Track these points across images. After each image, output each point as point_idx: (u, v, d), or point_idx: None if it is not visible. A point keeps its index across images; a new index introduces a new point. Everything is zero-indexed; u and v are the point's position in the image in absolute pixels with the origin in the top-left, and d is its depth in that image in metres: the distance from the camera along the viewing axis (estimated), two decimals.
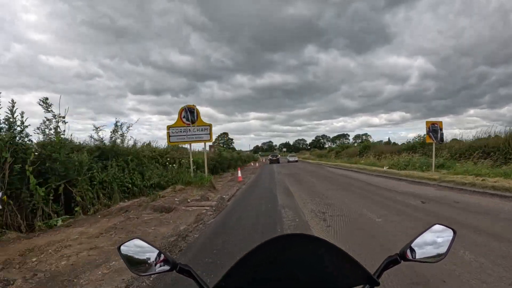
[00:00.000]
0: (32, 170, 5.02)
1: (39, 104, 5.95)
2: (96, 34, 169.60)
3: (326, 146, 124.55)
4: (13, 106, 5.16)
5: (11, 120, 5.14)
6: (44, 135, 5.98)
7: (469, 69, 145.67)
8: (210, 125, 11.68)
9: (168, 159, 11.68)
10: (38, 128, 5.93)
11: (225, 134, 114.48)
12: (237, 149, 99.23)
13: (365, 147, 27.37)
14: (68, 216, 5.55)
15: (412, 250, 0.81)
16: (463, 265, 2.96)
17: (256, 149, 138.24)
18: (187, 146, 12.54)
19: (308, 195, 8.49)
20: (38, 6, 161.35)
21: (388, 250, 3.20)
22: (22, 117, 5.26)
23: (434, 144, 13.02)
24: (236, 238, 4.42)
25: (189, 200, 8.01)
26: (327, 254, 0.71)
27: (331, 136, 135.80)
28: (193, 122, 11.48)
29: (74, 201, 5.82)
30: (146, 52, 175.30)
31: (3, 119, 5.10)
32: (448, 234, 0.84)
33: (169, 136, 11.52)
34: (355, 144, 37.94)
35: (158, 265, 0.80)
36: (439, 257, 0.81)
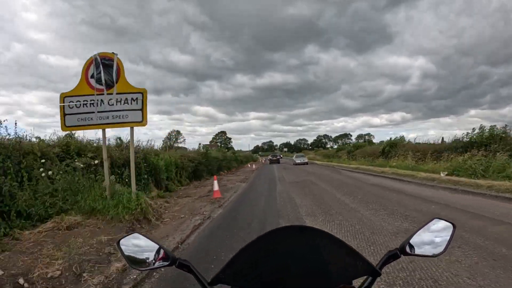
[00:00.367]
0: None
1: None
2: (96, 33, 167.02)
3: (328, 146, 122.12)
4: None
5: None
6: None
7: (469, 69, 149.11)
8: (143, 92, 5.85)
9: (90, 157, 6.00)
10: None
11: (223, 133, 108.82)
12: (237, 149, 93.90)
13: (390, 145, 21.53)
14: None
15: (412, 245, 0.80)
16: None
17: (256, 149, 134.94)
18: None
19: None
20: (39, 5, 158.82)
21: None
22: None
23: None
24: None
25: None
26: (329, 246, 0.71)
27: (333, 136, 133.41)
28: (110, 87, 5.64)
29: None
30: (147, 52, 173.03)
31: None
32: (447, 228, 0.83)
33: (63, 115, 5.68)
34: (367, 142, 32.07)
35: (156, 259, 0.79)
36: (438, 251, 0.81)
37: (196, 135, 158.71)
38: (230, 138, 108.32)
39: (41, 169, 4.93)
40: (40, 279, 2.99)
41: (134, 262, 0.80)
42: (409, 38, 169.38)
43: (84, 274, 3.15)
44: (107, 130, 5.72)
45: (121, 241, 0.82)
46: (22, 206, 4.40)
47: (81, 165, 5.62)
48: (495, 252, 3.30)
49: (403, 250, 0.80)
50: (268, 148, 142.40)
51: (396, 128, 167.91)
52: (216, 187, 8.85)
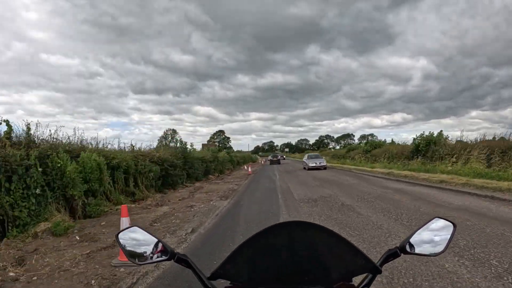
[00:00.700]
0: None
1: None
2: (97, 32, 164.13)
3: (330, 146, 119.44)
4: None
5: None
6: None
7: (471, 70, 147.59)
8: None
9: None
10: None
11: (221, 132, 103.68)
12: (238, 149, 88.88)
13: (427, 142, 16.39)
14: None
15: (412, 244, 0.80)
16: None
17: (257, 149, 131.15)
18: None
19: None
20: (39, 4, 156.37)
21: None
22: None
23: None
24: None
25: None
26: (329, 242, 0.70)
27: (335, 136, 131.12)
28: None
29: None
30: (148, 51, 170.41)
31: None
32: (448, 228, 0.83)
33: None
34: (393, 140, 27.02)
35: (156, 254, 0.78)
36: (438, 250, 0.80)
37: (196, 135, 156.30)
38: (228, 138, 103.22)
39: None
40: None
41: (133, 255, 0.79)
42: (411, 39, 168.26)
43: None
44: None
45: (120, 234, 0.81)
46: None
47: None
48: None
49: (403, 248, 0.80)
50: (268, 148, 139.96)
51: (397, 129, 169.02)
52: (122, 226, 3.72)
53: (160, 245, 0.79)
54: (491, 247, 3.45)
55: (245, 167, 27.62)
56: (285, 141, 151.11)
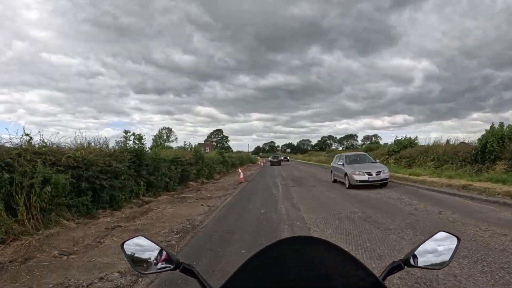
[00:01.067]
0: None
1: None
2: (98, 32, 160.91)
3: (333, 147, 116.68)
4: None
5: None
6: None
7: (473, 72, 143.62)
8: None
9: None
10: None
11: (219, 131, 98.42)
12: (239, 149, 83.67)
13: (500, 138, 11.19)
14: None
15: (416, 257, 0.80)
16: None
17: (257, 150, 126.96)
18: None
19: None
20: (40, 3, 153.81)
21: None
22: None
23: None
24: None
25: None
26: (333, 256, 0.71)
27: (338, 137, 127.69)
28: None
29: None
30: (149, 51, 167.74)
31: None
32: (452, 241, 0.83)
33: None
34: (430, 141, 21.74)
35: (160, 263, 0.79)
36: (442, 263, 0.80)
37: (197, 135, 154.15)
38: (227, 137, 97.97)
39: None
40: None
41: (138, 264, 0.80)
42: (413, 40, 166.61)
43: None
44: None
45: (125, 243, 0.82)
46: None
47: None
48: None
49: (407, 261, 0.80)
50: (269, 149, 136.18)
51: (398, 130, 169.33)
52: None
53: (164, 254, 0.80)
54: None
55: (240, 171, 22.38)
56: (286, 142, 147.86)
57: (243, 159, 39.48)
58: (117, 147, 9.34)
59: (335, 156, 14.00)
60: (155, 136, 64.44)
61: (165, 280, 2.98)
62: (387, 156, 19.93)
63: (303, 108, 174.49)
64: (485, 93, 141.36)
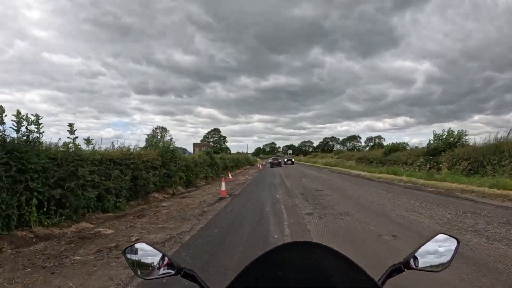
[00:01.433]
0: None
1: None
2: (100, 32, 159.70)
3: (335, 148, 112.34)
4: None
5: None
6: None
7: (474, 74, 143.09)
8: None
9: None
10: None
11: (217, 130, 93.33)
12: (239, 151, 78.59)
13: None
14: None
15: (416, 259, 0.80)
16: None
17: (258, 151, 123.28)
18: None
19: None
20: (41, 2, 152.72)
21: None
22: None
23: None
24: None
25: None
26: (332, 261, 0.71)
27: (340, 139, 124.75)
28: None
29: None
30: (150, 51, 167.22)
31: None
32: (451, 243, 0.83)
33: None
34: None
35: (162, 268, 0.79)
36: (442, 265, 0.80)
37: (198, 136, 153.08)
38: (225, 137, 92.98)
39: None
40: None
41: (139, 270, 0.80)
42: (415, 42, 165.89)
43: None
44: None
45: (127, 250, 0.82)
46: None
47: None
48: None
49: (407, 264, 0.79)
50: (270, 150, 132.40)
51: (399, 132, 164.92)
52: None
53: (166, 259, 0.80)
54: None
55: (229, 177, 17.44)
56: (287, 143, 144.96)
57: (240, 161, 34.47)
58: None
59: None
60: (148, 135, 59.51)
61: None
62: (429, 158, 14.81)
63: (304, 109, 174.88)
64: (486, 95, 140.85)
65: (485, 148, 11.35)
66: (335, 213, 6.32)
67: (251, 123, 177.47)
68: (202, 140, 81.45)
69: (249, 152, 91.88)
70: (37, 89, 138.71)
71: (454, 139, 14.01)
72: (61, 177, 6.12)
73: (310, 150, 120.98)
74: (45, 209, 5.62)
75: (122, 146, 10.27)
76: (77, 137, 7.45)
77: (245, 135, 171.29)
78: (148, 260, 0.79)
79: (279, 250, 0.72)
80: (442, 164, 13.16)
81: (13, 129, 5.53)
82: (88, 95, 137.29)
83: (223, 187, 9.47)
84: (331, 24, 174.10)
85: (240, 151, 73.16)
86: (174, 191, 11.82)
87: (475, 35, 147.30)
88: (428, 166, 13.70)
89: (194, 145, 70.34)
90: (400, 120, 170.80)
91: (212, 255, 3.79)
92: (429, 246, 0.81)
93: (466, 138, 14.17)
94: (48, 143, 6.39)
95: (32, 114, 6.02)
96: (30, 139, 5.74)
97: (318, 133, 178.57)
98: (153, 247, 0.82)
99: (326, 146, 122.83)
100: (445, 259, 0.80)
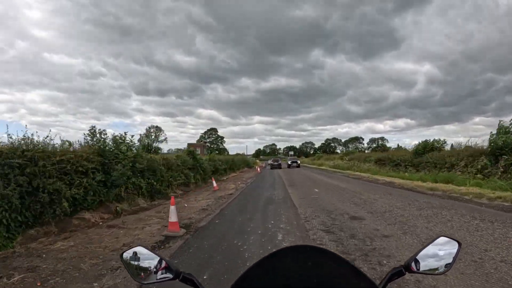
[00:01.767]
0: None
1: None
2: (101, 32, 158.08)
3: (338, 150, 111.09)
4: None
5: None
6: None
7: (476, 75, 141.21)
8: None
9: None
10: None
11: (214, 130, 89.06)
12: (238, 152, 74.38)
13: None
14: None
15: (417, 262, 0.79)
16: None
17: (258, 153, 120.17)
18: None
19: None
20: (42, 3, 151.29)
21: None
22: None
23: None
24: None
25: None
26: (333, 265, 0.70)
27: (342, 140, 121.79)
28: None
29: None
30: (151, 52, 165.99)
31: None
32: (453, 246, 0.82)
33: None
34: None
35: (160, 272, 0.78)
36: (444, 268, 0.79)
37: (198, 137, 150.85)
38: (222, 137, 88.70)
39: None
40: None
41: (137, 274, 0.79)
42: (416, 43, 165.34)
43: None
44: None
45: (124, 254, 0.81)
46: None
47: None
48: None
49: (408, 267, 0.78)
50: (270, 151, 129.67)
51: (399, 134, 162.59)
52: None
53: (164, 263, 0.78)
54: None
55: (214, 184, 13.23)
56: (288, 145, 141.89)
57: (235, 163, 30.25)
58: None
59: None
60: (141, 135, 54.86)
61: None
62: (484, 160, 10.62)
63: (305, 111, 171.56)
64: (487, 97, 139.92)
65: None
66: None
67: (252, 124, 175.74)
68: (198, 141, 77.26)
69: (248, 153, 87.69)
70: (37, 89, 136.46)
71: None
72: None
73: (312, 152, 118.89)
74: None
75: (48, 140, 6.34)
76: None
77: (245, 137, 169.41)
78: (145, 264, 0.78)
79: (281, 254, 0.72)
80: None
81: None
82: (88, 96, 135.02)
83: (173, 217, 5.07)
84: (332, 26, 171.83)
85: (240, 152, 69.15)
86: (117, 208, 7.66)
87: (476, 37, 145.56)
88: (501, 170, 9.49)
89: (189, 145, 66.09)
90: (401, 122, 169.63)
91: None
92: (430, 249, 0.80)
93: None
94: None
95: None
96: None
97: (319, 134, 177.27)
98: (150, 251, 0.80)
99: (328, 147, 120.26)
100: (446, 261, 0.79)
